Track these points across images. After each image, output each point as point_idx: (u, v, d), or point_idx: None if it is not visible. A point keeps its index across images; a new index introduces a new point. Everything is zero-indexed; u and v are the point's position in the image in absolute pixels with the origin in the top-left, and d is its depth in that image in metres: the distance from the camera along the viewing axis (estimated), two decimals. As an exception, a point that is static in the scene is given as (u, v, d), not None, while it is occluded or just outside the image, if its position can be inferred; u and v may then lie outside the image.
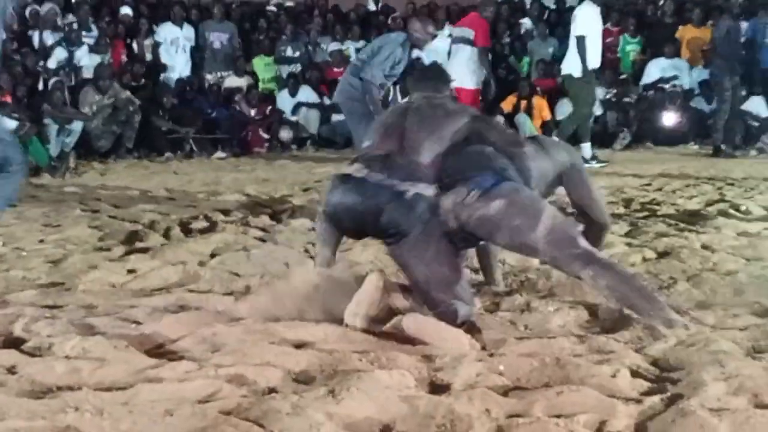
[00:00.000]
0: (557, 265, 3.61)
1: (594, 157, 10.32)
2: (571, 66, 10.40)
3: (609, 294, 3.52)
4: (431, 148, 3.69)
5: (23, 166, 4.87)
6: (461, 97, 10.71)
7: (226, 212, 7.12)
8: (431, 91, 4.01)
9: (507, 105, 12.79)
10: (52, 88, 11.28)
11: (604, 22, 14.07)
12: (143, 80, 12.86)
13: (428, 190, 3.60)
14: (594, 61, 10.32)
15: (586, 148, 10.43)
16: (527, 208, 3.53)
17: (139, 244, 5.82)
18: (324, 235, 4.02)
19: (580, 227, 4.01)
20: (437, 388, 3.03)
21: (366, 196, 3.61)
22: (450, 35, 12.17)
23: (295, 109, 13.20)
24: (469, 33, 10.96)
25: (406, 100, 4.15)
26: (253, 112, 12.85)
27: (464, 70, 10.66)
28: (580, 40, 10.15)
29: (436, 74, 4.32)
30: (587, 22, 10.26)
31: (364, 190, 3.63)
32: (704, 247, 5.42)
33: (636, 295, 3.50)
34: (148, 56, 13.34)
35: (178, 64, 13.29)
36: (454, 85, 10.82)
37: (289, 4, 15.51)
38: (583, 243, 3.56)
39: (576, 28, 10.30)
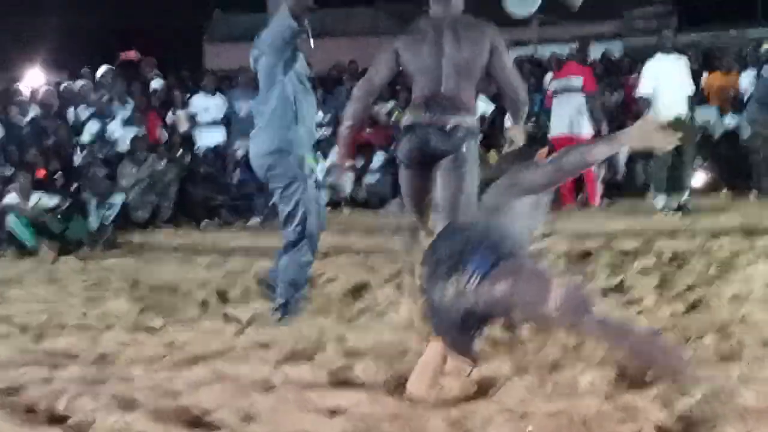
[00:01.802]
0: (575, 332, 3.69)
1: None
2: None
3: (630, 356, 3.59)
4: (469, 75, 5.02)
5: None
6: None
7: (261, 280, 7.24)
8: None
9: (540, 158, 12.82)
10: (88, 163, 11.56)
11: (630, 72, 14.17)
12: (180, 150, 13.10)
13: (467, 118, 4.98)
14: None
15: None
16: (533, 282, 3.55)
17: (177, 315, 5.96)
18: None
19: (592, 291, 4.12)
20: (466, 451, 3.11)
21: (422, 134, 4.94)
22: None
23: (328, 171, 13.36)
24: (578, 80, 11.10)
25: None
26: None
27: (578, 118, 10.90)
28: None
29: None
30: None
31: (421, 132, 4.95)
32: (734, 298, 5.46)
33: (657, 354, 3.55)
34: (183, 127, 13.60)
35: (211, 133, 13.53)
36: (567, 133, 10.85)
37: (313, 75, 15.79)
38: (597, 308, 3.62)
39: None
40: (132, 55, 15.92)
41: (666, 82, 10.18)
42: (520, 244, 3.74)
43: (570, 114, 10.97)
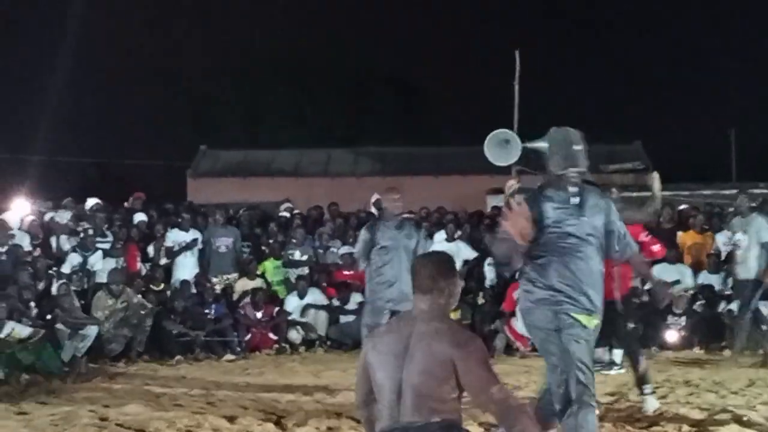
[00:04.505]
0: None
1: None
2: None
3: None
4: None
5: None
6: None
7: (231, 419, 7.17)
8: None
9: (507, 305, 12.66)
10: (63, 294, 11.52)
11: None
12: (162, 284, 13.12)
13: None
14: None
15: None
16: None
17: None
18: None
19: None
20: None
21: None
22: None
23: (304, 310, 13.38)
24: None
25: None
26: (259, 314, 12.99)
27: None
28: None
29: None
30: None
31: None
32: (704, 462, 5.45)
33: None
34: (163, 260, 13.67)
35: (186, 267, 13.63)
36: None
37: (297, 212, 16.06)
38: None
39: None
40: (143, 195, 15.98)
41: None
42: None
43: None
